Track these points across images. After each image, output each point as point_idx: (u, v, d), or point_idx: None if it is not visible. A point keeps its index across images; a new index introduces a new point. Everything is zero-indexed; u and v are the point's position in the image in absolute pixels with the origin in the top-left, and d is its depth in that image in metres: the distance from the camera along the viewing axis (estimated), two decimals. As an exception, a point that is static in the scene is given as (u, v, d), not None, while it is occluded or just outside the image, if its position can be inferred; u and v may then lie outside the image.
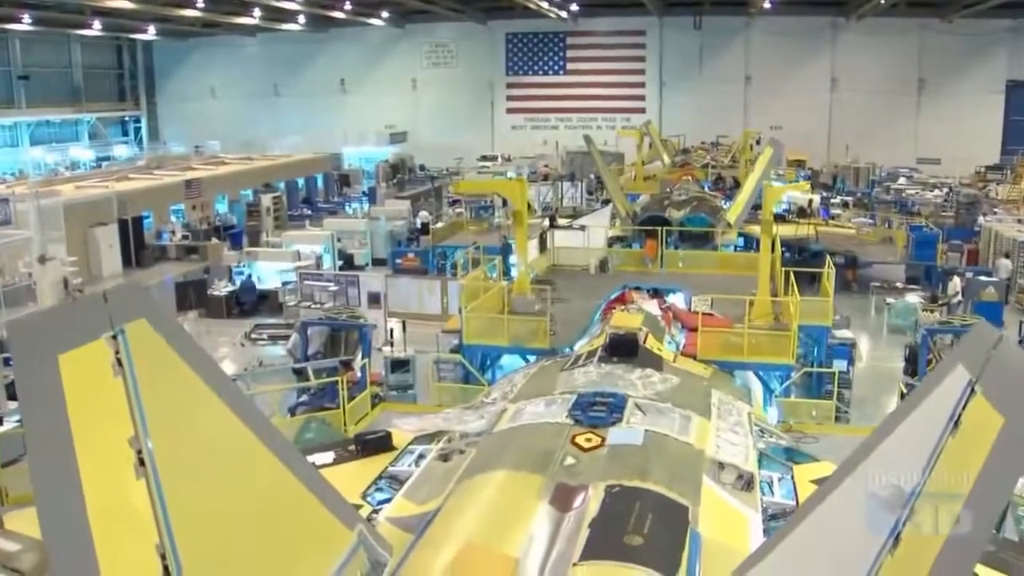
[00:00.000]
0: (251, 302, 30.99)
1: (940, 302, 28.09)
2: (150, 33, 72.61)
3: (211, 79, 77.07)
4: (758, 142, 45.98)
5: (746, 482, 11.30)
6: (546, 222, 29.77)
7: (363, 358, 20.69)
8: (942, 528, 5.38)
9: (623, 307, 19.25)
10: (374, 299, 26.47)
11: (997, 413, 5.33)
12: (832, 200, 44.89)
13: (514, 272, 23.68)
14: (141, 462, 6.27)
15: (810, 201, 22.86)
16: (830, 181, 54.84)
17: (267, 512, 7.71)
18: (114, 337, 6.34)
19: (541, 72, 70.42)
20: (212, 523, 6.93)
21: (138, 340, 6.55)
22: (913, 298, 28.89)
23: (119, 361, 6.36)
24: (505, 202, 28.55)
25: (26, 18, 58.01)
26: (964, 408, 5.65)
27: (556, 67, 70.06)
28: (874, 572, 5.70)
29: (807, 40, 63.23)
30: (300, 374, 19.69)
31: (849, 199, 46.34)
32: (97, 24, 65.31)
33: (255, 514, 7.53)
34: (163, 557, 6.19)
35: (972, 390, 5.63)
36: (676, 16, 65.89)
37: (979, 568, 8.67)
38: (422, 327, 25.61)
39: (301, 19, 66.44)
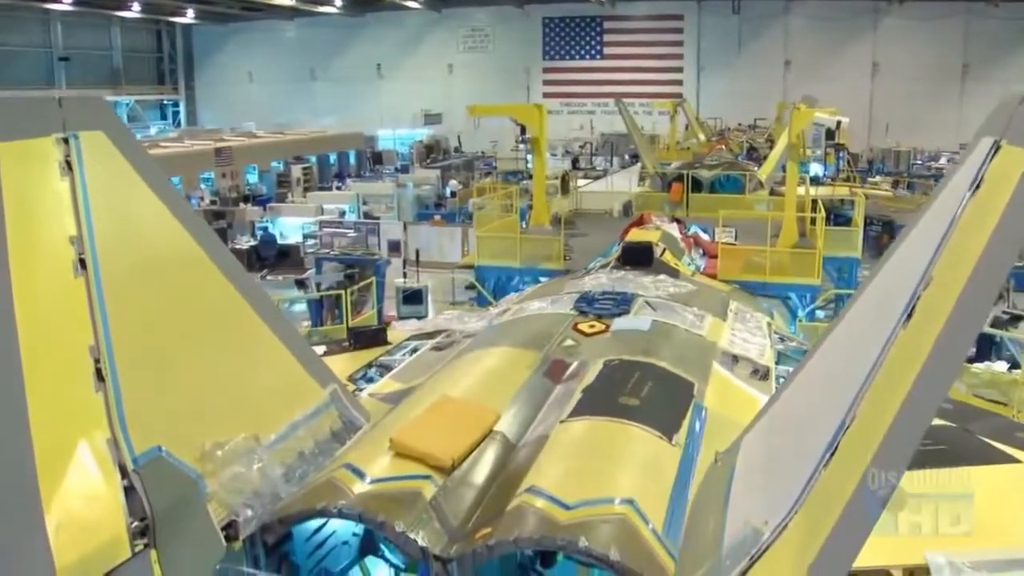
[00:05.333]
0: (272, 256, 30.63)
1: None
2: (189, 16, 73.19)
3: (249, 63, 77.35)
4: (794, 111, 44.89)
5: (761, 375, 10.57)
6: (567, 163, 29.16)
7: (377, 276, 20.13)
8: (955, 286, 4.78)
9: (641, 227, 18.56)
10: (394, 247, 26.07)
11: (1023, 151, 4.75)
12: (870, 179, 43.87)
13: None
14: (82, 264, 6.07)
15: (838, 123, 22.01)
16: (867, 166, 53.68)
17: (221, 342, 7.39)
18: (65, 141, 6.20)
19: (578, 57, 69.66)
20: (156, 337, 6.63)
21: (92, 149, 6.41)
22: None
23: (68, 164, 6.20)
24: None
25: (67, -1, 58.50)
26: (987, 168, 5.09)
27: (593, 52, 69.32)
28: (887, 351, 5.09)
29: (848, 24, 61.90)
30: (302, 285, 19.26)
31: (888, 178, 45.28)
32: (137, 6, 65.79)
33: (207, 341, 7.21)
34: (97, 361, 5.95)
35: (996, 149, 5.08)
36: (714, 0, 64.93)
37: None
38: (441, 275, 25.00)
39: (338, 2, 66.45)
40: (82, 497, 5.62)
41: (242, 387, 7.36)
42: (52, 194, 6.10)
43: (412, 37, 72.67)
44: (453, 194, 37.78)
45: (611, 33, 68.48)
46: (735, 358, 10.78)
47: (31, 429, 5.41)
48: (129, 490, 5.83)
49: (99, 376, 5.95)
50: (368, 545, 7.91)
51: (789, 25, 63.97)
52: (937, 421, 8.94)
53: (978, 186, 5.09)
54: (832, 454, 4.97)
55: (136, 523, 5.75)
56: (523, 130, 21.80)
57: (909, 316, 5.00)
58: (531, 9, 69.10)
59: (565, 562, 7.57)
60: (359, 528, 7.71)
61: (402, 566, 7.75)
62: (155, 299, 6.76)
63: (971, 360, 15.24)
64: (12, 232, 5.67)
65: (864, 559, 5.83)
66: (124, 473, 5.86)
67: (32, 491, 5.32)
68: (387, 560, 7.86)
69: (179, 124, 78.35)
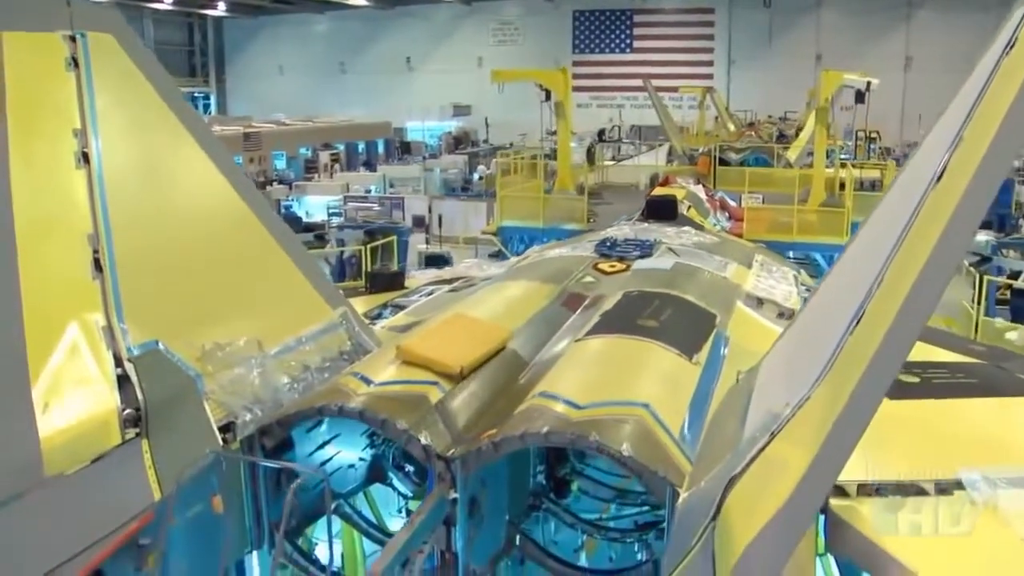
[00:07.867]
0: (298, 232, 30.46)
1: (1012, 237, 26.41)
2: (220, 9, 73.59)
3: (279, 56, 78.01)
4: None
5: (787, 317, 10.21)
6: (594, 137, 28.99)
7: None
8: (984, 140, 4.49)
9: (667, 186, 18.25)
10: (418, 222, 25.90)
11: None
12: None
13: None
14: (85, 158, 5.96)
15: (868, 83, 21.57)
16: (900, 159, 53.16)
17: (226, 250, 7.17)
18: (72, 39, 6.07)
19: (607, 50, 69.58)
20: (157, 236, 6.50)
21: (100, 49, 6.27)
22: (983, 236, 27.41)
23: (75, 61, 6.07)
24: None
25: (98, -12, 58.78)
26: (1021, 29, 4.80)
27: (623, 45, 69.17)
28: (917, 214, 4.82)
29: (880, 17, 61.30)
30: (321, 239, 19.11)
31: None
32: (168, -1, 66.27)
33: (211, 247, 7.01)
34: (95, 252, 5.83)
35: (1031, 9, 4.81)
36: (746, -7, 64.58)
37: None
38: (465, 249, 24.81)
39: (369, -5, 66.74)
40: (72, 380, 5.43)
41: (247, 296, 7.16)
42: (56, 86, 5.98)
43: (442, 30, 72.82)
44: (480, 178, 37.61)
45: (641, 27, 68.32)
46: (760, 301, 10.44)
47: (23, 306, 5.29)
48: (123, 380, 5.65)
49: (97, 266, 5.82)
50: (375, 473, 7.63)
51: (821, 18, 63.53)
52: (970, 360, 8.63)
53: (1012, 47, 4.82)
54: (858, 321, 4.68)
55: (128, 411, 5.56)
56: (548, 95, 21.61)
57: (939, 178, 4.73)
58: (561, 2, 69.16)
59: (580, 495, 7.29)
60: (366, 452, 7.46)
61: (410, 495, 7.47)
62: (158, 200, 6.62)
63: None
64: (13, 117, 5.57)
65: (895, 473, 5.56)
66: (119, 362, 5.68)
67: (20, 369, 5.15)
68: (394, 488, 7.57)
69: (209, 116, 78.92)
